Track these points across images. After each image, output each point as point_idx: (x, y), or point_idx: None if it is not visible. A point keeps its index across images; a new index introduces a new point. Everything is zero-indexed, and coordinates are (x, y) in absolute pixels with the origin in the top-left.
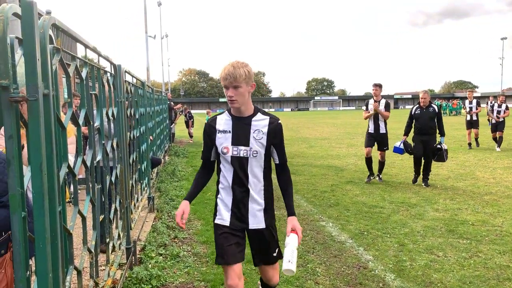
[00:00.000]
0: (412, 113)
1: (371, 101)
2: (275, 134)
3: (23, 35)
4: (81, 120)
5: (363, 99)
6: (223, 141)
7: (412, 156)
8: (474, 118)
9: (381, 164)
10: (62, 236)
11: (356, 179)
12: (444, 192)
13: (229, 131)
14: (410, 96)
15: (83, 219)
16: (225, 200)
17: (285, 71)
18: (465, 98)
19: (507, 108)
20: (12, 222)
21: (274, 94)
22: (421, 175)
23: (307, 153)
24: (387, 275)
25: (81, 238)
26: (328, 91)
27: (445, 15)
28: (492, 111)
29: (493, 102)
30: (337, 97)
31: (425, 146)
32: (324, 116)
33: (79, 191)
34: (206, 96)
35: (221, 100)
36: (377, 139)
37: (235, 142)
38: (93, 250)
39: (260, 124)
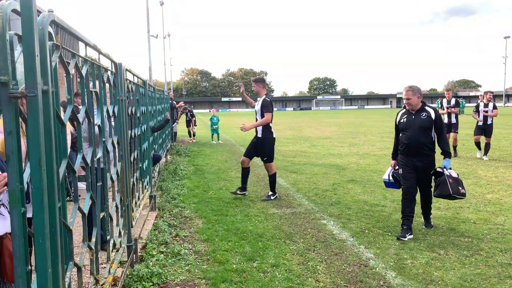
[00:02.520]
0: (397, 121)
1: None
2: None
3: (22, 31)
4: (81, 117)
5: (366, 99)
6: None
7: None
8: (454, 120)
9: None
10: (61, 232)
11: (358, 178)
12: None
13: None
14: None
15: (83, 216)
16: None
17: (288, 71)
18: (471, 97)
19: (494, 107)
20: (12, 217)
21: (277, 93)
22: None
23: (309, 152)
24: (387, 273)
25: (82, 236)
26: (330, 91)
27: (452, 13)
28: (478, 111)
29: (478, 101)
30: (339, 97)
31: (419, 174)
32: (326, 116)
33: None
34: (209, 95)
35: (223, 99)
36: (254, 143)
37: None
38: (93, 247)
39: None
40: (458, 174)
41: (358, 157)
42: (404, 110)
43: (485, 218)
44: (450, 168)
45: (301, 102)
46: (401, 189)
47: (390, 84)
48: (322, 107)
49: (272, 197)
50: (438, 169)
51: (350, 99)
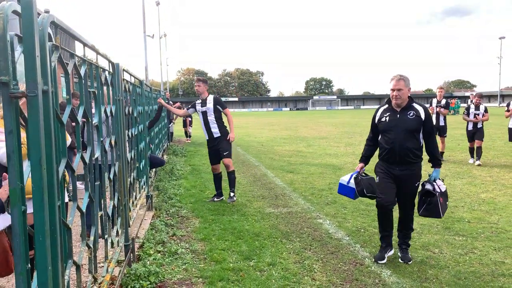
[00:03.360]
0: (376, 120)
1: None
2: None
3: (22, 32)
4: (79, 117)
5: (362, 99)
6: None
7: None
8: (442, 123)
9: (231, 176)
10: (61, 230)
11: None
12: None
13: None
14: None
15: (82, 214)
16: None
17: (284, 71)
18: (466, 98)
19: (486, 110)
20: (12, 216)
21: (273, 93)
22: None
23: (305, 152)
24: (383, 271)
25: (80, 235)
26: (326, 91)
27: (449, 13)
28: (468, 114)
29: (468, 103)
30: (335, 97)
31: (400, 187)
32: (322, 116)
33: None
34: None
35: None
36: (214, 147)
37: None
38: (91, 246)
39: None
40: (445, 187)
41: (354, 157)
42: (386, 106)
43: (479, 217)
44: (440, 179)
45: (297, 102)
46: (375, 200)
47: (386, 84)
48: (319, 107)
49: (235, 198)
50: (428, 186)
51: (346, 99)
